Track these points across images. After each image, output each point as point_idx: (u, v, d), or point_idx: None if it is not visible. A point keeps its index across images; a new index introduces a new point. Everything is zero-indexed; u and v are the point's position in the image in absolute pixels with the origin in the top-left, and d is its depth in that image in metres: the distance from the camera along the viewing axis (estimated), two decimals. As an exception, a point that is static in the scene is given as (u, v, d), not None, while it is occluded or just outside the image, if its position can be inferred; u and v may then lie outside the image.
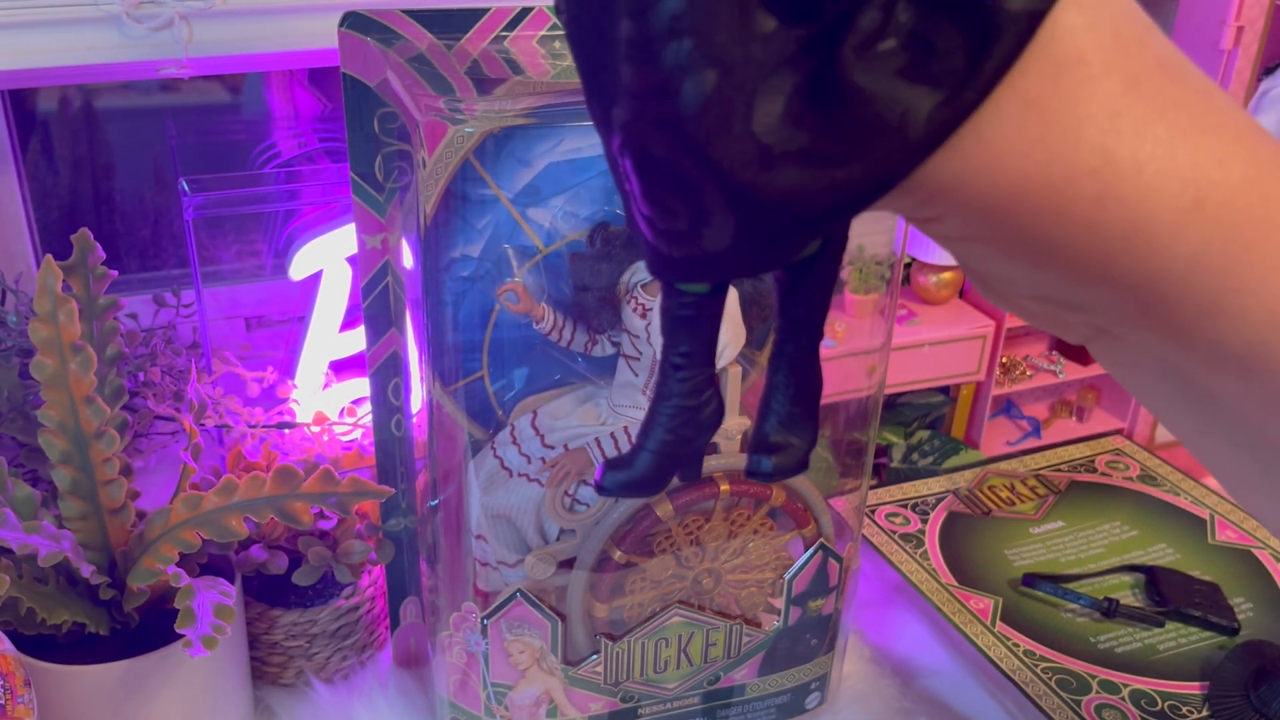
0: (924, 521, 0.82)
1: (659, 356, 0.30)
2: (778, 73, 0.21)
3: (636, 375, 0.57)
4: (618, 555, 0.58)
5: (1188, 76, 0.22)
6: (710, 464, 0.58)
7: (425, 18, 0.55)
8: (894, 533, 0.81)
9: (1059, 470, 0.90)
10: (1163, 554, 0.80)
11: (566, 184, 0.56)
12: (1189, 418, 0.28)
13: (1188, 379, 0.26)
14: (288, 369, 0.78)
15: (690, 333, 0.29)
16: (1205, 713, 0.66)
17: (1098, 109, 0.21)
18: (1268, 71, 0.88)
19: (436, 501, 0.59)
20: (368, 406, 0.66)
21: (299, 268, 0.75)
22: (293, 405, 0.74)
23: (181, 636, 0.52)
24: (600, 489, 0.31)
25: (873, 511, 0.83)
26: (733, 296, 0.56)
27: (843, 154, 0.21)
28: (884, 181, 0.21)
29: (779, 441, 0.30)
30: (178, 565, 0.56)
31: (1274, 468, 0.27)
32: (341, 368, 0.78)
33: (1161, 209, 0.21)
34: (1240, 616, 0.74)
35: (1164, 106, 0.22)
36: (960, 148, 0.21)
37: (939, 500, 0.85)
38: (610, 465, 0.31)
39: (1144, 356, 0.26)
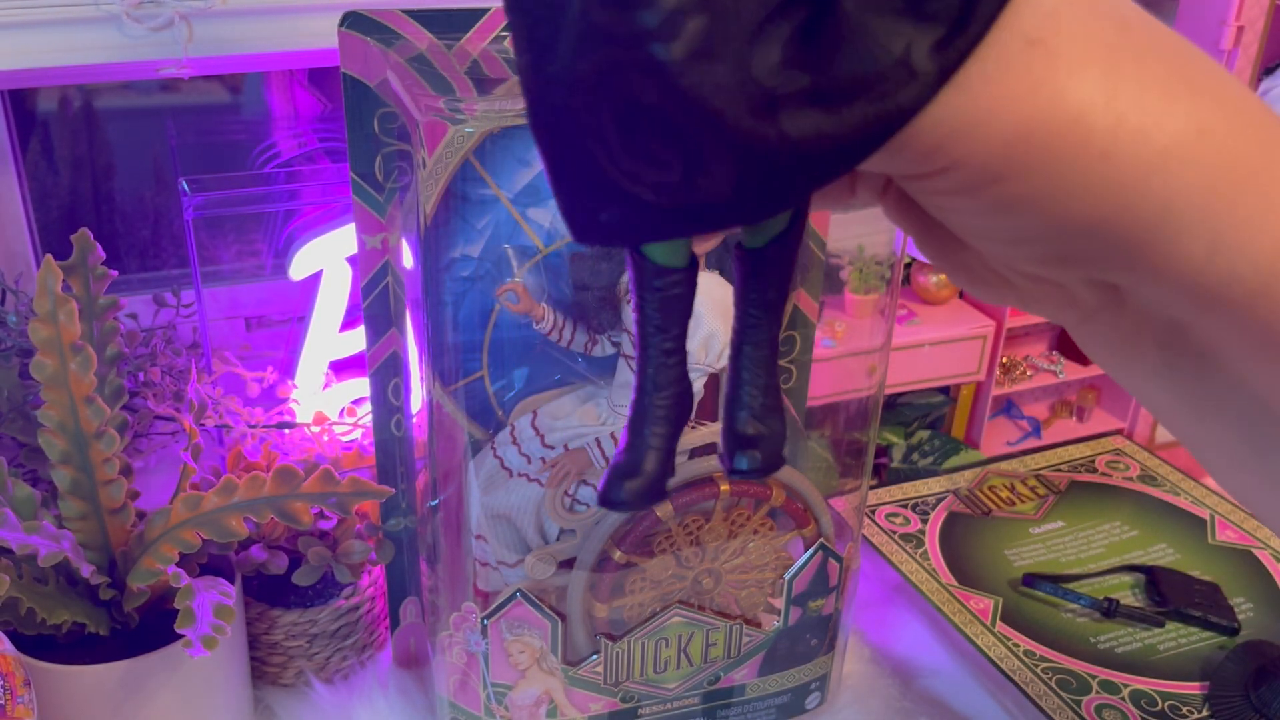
0: (924, 521, 0.82)
1: (646, 349, 0.28)
2: (774, 17, 0.21)
3: (636, 375, 0.57)
4: (618, 555, 0.58)
5: (1158, 26, 0.23)
6: (710, 464, 0.58)
7: (425, 18, 0.55)
8: (894, 533, 0.81)
9: (1059, 470, 0.90)
10: (1163, 554, 0.80)
11: (566, 184, 0.56)
12: (1187, 396, 0.28)
13: (1188, 344, 0.26)
14: (288, 369, 0.78)
15: (681, 313, 0.28)
16: (1205, 713, 0.66)
17: (1099, 45, 0.22)
18: (1268, 71, 0.88)
19: (436, 501, 0.59)
20: (368, 406, 0.66)
21: (299, 268, 0.75)
22: (293, 405, 0.74)
23: (181, 636, 0.52)
24: (613, 504, 0.29)
25: (873, 511, 0.83)
26: (727, 291, 0.56)
27: (847, 94, 0.21)
28: (892, 120, 0.21)
29: (755, 433, 0.29)
30: (178, 565, 0.56)
31: (1271, 447, 0.27)
32: (341, 368, 0.78)
33: (1170, 139, 0.22)
34: (1240, 616, 0.74)
35: (1156, 43, 0.22)
36: (968, 88, 0.21)
37: (939, 500, 0.85)
38: (617, 475, 0.29)
39: (1144, 325, 0.26)
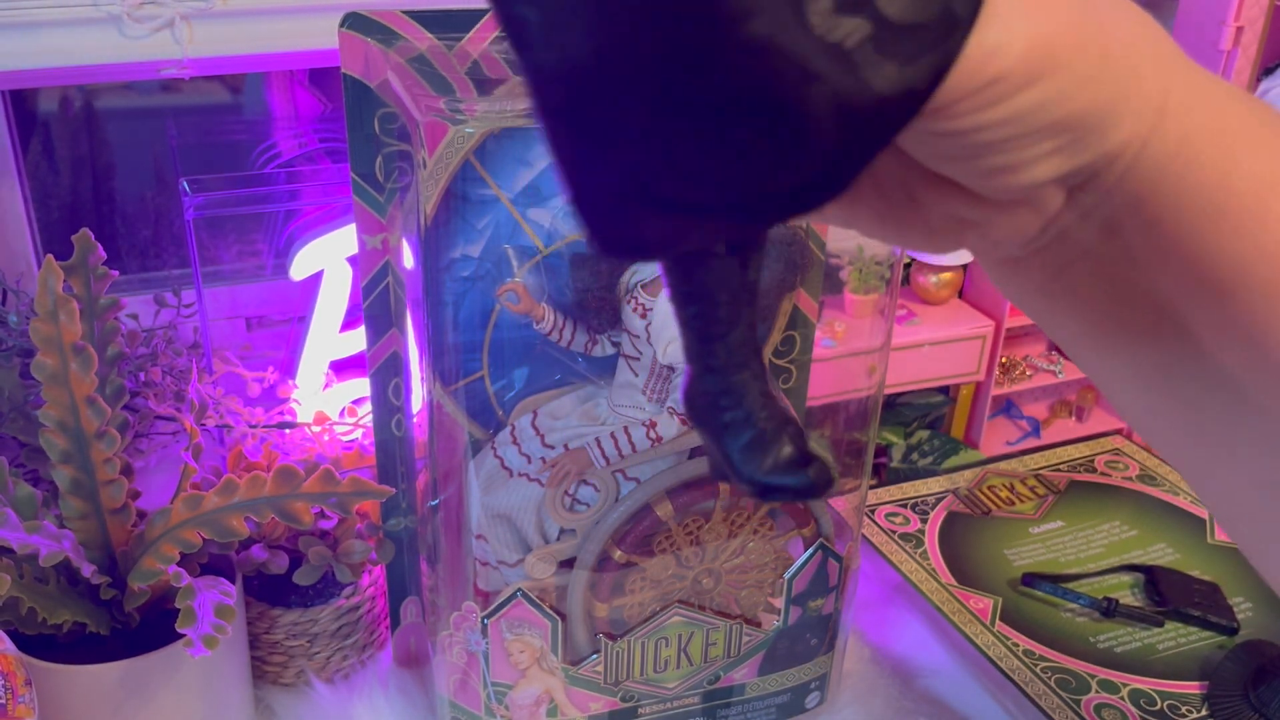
0: (924, 521, 0.83)
1: (716, 336, 0.27)
2: None
3: (636, 375, 0.57)
4: (618, 555, 0.58)
5: None
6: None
7: (425, 18, 0.55)
8: (894, 532, 0.81)
9: (1058, 470, 0.90)
10: (1162, 554, 0.80)
11: (566, 184, 0.56)
12: (1121, 334, 0.31)
13: (1124, 254, 0.29)
14: (288, 369, 0.78)
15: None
16: (1205, 712, 0.66)
17: None
18: (1267, 71, 0.89)
19: (437, 501, 0.59)
20: (368, 406, 0.66)
21: (299, 268, 0.75)
22: (293, 405, 0.74)
23: (182, 636, 0.52)
24: (793, 490, 0.26)
25: (872, 511, 0.83)
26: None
27: (909, 38, 0.22)
28: (950, 58, 0.23)
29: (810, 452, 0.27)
30: (178, 565, 0.56)
31: (1181, 372, 0.30)
32: (342, 368, 0.79)
33: (1129, 36, 0.27)
34: (1240, 616, 0.74)
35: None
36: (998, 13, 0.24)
37: (939, 500, 0.85)
38: (754, 457, 0.27)
39: (1081, 247, 0.30)
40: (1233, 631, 0.72)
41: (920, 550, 0.79)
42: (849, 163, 0.23)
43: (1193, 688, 0.68)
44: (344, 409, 0.73)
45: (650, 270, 0.57)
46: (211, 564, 0.62)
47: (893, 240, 0.32)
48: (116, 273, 0.60)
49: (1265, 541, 0.33)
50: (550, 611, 0.59)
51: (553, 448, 0.58)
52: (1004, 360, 0.92)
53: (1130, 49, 0.27)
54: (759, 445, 0.27)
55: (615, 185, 0.23)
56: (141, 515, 0.61)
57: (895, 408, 0.91)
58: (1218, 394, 0.30)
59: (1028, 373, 0.94)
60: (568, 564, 0.59)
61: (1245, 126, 0.28)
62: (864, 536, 0.80)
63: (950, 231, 0.30)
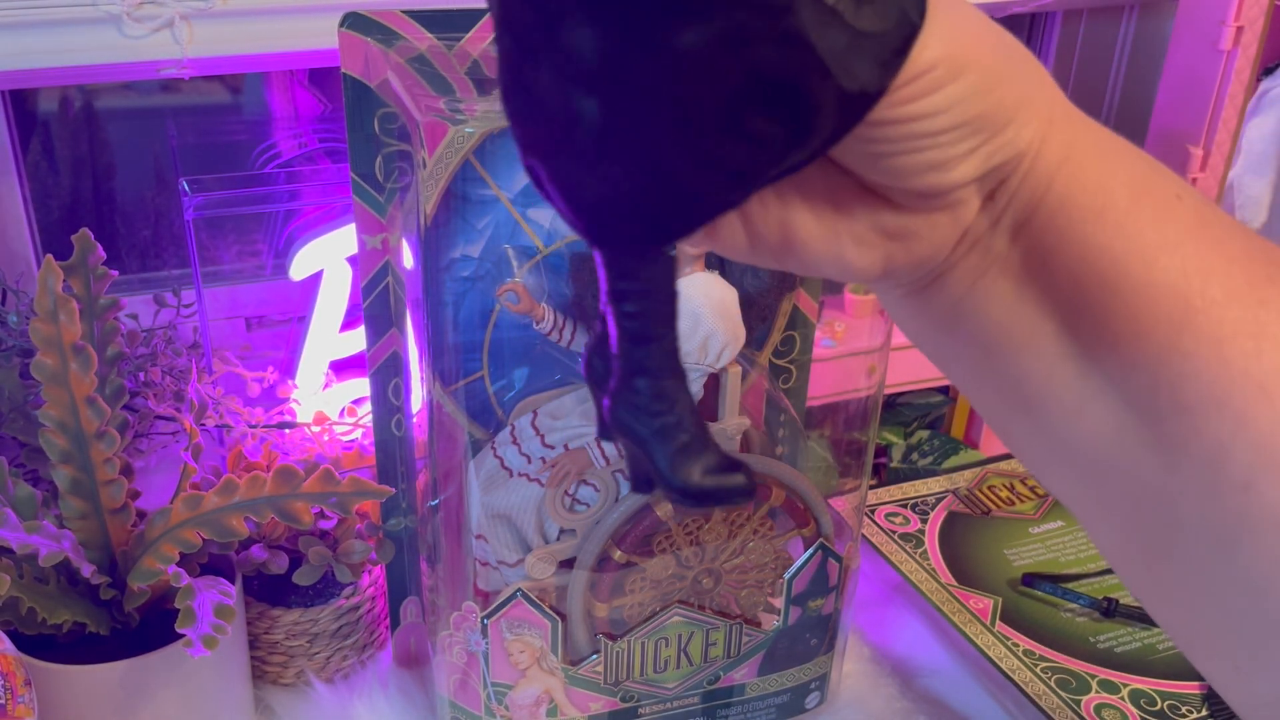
0: (924, 521, 0.83)
1: (652, 337, 0.27)
2: None
3: (636, 375, 0.57)
4: (618, 555, 0.58)
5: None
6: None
7: (425, 18, 0.55)
8: (894, 532, 0.81)
9: (1059, 470, 0.90)
10: (1162, 554, 0.80)
11: (566, 184, 0.56)
12: (1014, 356, 0.34)
13: (1024, 258, 0.33)
14: (288, 369, 0.78)
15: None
16: (1204, 712, 0.66)
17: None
18: (1267, 71, 0.89)
19: (437, 501, 0.59)
20: (368, 406, 0.66)
21: (299, 268, 0.75)
22: (293, 405, 0.74)
23: (182, 636, 0.52)
24: (702, 496, 0.27)
25: (872, 511, 0.83)
26: (731, 295, 0.57)
27: (878, 41, 0.25)
28: (904, 57, 0.26)
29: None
30: (178, 565, 0.56)
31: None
32: (342, 368, 0.78)
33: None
34: (1240, 616, 0.74)
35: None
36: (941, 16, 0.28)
37: (939, 500, 0.85)
38: (681, 462, 0.27)
39: (997, 250, 0.33)
40: (1233, 631, 0.72)
41: (920, 550, 0.79)
42: (822, 147, 0.26)
43: (1193, 688, 0.68)
44: (344, 409, 0.73)
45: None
46: (211, 564, 0.62)
47: (817, 255, 0.33)
48: (116, 273, 0.60)
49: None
50: (550, 611, 0.59)
51: (553, 448, 0.58)
52: (1004, 360, 0.92)
53: (1025, 63, 0.31)
54: (689, 451, 0.27)
55: (628, 175, 0.25)
56: (141, 515, 0.61)
57: (895, 408, 0.91)
58: (1100, 400, 0.33)
59: (1028, 373, 0.94)
60: (568, 564, 0.59)
61: (1114, 142, 0.33)
62: (864, 536, 0.80)
63: (873, 247, 0.32)
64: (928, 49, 0.28)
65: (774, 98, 0.24)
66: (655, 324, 0.27)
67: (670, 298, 0.27)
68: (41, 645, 0.57)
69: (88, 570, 0.55)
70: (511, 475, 0.59)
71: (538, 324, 0.57)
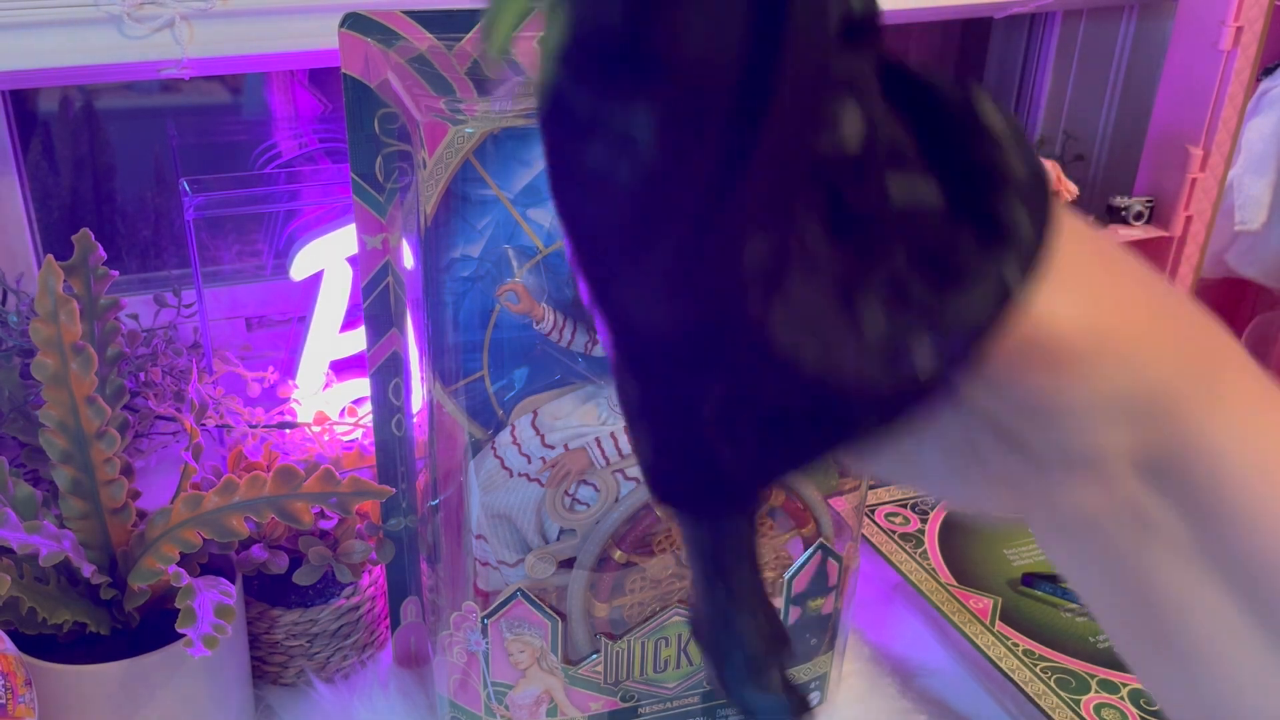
0: (923, 521, 0.83)
1: (719, 576, 0.28)
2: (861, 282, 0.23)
3: (636, 375, 0.57)
4: (618, 555, 0.58)
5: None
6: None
7: (425, 18, 0.55)
8: (893, 532, 0.81)
9: (1059, 470, 0.90)
10: (1162, 554, 0.80)
11: (566, 184, 0.56)
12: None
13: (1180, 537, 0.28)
14: (288, 369, 0.78)
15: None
16: (1204, 712, 0.66)
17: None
18: (1267, 72, 0.89)
19: (437, 501, 0.59)
20: (368, 406, 0.66)
21: (299, 268, 0.75)
22: (293, 405, 0.74)
23: (182, 636, 0.52)
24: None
25: (872, 511, 0.83)
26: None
27: (959, 320, 0.23)
28: (999, 322, 0.24)
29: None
30: (178, 565, 0.56)
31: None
32: (342, 368, 0.79)
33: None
34: (1239, 616, 0.74)
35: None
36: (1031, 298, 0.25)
37: (938, 500, 0.85)
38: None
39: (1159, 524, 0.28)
40: (1232, 631, 0.72)
41: (920, 550, 0.80)
42: (887, 436, 0.24)
43: (1192, 687, 0.68)
44: (344, 409, 0.73)
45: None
46: (211, 564, 0.62)
47: (956, 493, 0.31)
48: (116, 273, 0.60)
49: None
50: (550, 611, 0.59)
51: (553, 448, 0.58)
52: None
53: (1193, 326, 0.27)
54: (748, 672, 0.29)
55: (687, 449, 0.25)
56: (141, 515, 0.61)
57: (895, 408, 0.91)
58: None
59: (1028, 373, 0.94)
60: (568, 564, 0.59)
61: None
62: (864, 536, 0.80)
63: (1011, 490, 0.29)
64: (1052, 321, 0.25)
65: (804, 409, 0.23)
66: (720, 568, 0.28)
67: (735, 547, 0.28)
68: (42, 645, 0.57)
69: (88, 570, 0.55)
70: (511, 475, 0.59)
71: (538, 324, 0.57)
